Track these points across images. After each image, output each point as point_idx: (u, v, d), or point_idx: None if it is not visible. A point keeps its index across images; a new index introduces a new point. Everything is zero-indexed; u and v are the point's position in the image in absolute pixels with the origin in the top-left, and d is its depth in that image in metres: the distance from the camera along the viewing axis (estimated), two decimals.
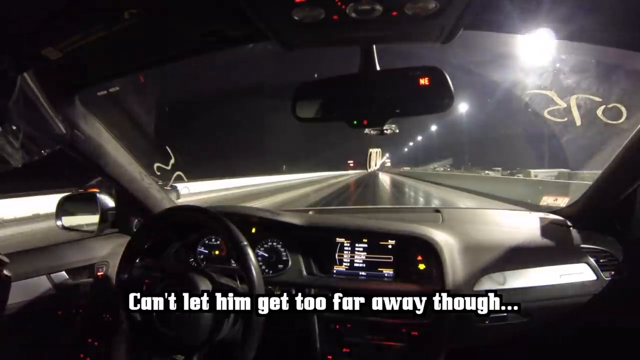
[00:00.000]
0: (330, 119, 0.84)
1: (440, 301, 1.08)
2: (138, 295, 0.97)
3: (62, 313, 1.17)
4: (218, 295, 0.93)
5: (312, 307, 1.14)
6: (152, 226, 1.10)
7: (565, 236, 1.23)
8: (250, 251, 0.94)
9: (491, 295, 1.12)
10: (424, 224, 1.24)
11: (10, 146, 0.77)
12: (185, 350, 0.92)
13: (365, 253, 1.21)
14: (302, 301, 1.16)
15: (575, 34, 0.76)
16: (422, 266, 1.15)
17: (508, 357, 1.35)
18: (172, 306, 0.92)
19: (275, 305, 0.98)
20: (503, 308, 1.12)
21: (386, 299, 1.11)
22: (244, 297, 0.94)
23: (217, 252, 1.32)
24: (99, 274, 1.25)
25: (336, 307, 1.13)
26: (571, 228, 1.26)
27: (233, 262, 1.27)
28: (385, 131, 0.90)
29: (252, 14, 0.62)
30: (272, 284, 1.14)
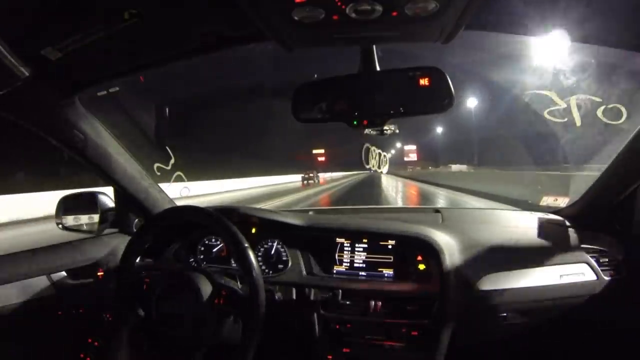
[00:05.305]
0: (330, 119, 0.85)
1: (440, 301, 1.08)
2: (138, 295, 0.97)
3: (62, 313, 1.17)
4: (218, 295, 0.94)
5: (312, 307, 1.14)
6: (152, 226, 1.10)
7: (565, 236, 1.23)
8: (250, 252, 0.94)
9: (491, 295, 1.12)
10: (424, 224, 1.24)
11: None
12: (185, 350, 0.92)
13: (365, 253, 1.21)
14: (302, 301, 1.16)
15: (575, 34, 0.76)
16: (422, 266, 1.15)
17: (508, 357, 1.35)
18: (172, 306, 0.92)
19: (275, 306, 0.98)
20: (503, 308, 1.13)
21: (386, 299, 1.11)
22: (244, 297, 0.94)
23: (217, 252, 1.32)
24: (99, 274, 1.25)
25: (336, 307, 1.13)
26: (571, 228, 1.26)
27: (233, 262, 1.27)
28: (385, 131, 0.91)
29: (252, 14, 0.62)
30: (272, 284, 1.14)
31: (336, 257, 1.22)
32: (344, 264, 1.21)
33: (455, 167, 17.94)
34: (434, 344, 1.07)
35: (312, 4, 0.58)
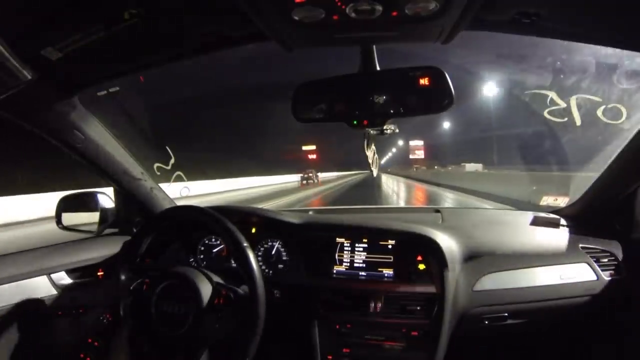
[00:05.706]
0: (330, 119, 0.85)
1: (440, 301, 1.08)
2: (138, 295, 0.97)
3: (62, 313, 1.17)
4: (218, 295, 0.94)
5: (312, 307, 1.14)
6: (152, 226, 1.10)
7: (565, 236, 1.23)
8: (250, 252, 0.94)
9: (491, 295, 1.12)
10: (424, 223, 1.24)
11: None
12: (185, 350, 0.92)
13: (365, 253, 1.21)
14: (302, 301, 1.16)
15: (575, 34, 0.76)
16: (422, 266, 1.15)
17: (507, 357, 1.35)
18: (172, 306, 0.92)
19: (275, 306, 0.98)
20: (503, 308, 1.13)
21: (386, 299, 1.11)
22: (244, 297, 0.94)
23: (217, 252, 1.32)
24: (99, 274, 1.25)
25: (336, 307, 1.13)
26: (571, 228, 1.26)
27: (233, 262, 1.27)
28: (385, 131, 0.91)
29: (252, 14, 0.62)
30: (272, 284, 1.14)
31: (336, 257, 1.22)
32: (344, 264, 1.21)
33: (469, 167, 16.24)
34: (434, 344, 1.07)
35: (312, 4, 0.58)
